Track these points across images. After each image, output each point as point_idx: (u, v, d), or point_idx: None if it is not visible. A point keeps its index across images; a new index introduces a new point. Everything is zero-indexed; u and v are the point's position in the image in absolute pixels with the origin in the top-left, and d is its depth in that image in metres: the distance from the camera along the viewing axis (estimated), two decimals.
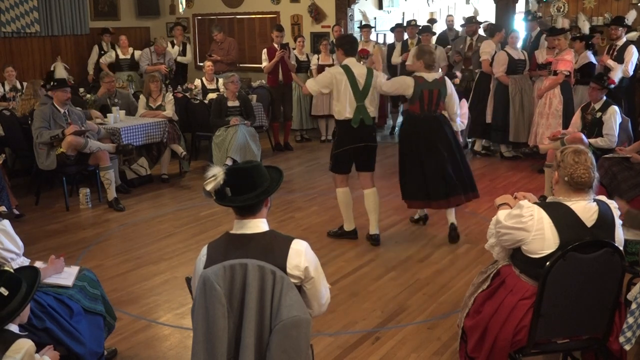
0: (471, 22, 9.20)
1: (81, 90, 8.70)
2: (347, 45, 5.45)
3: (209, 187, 2.54)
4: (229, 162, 7.41)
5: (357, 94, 5.34)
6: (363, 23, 10.16)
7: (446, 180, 5.47)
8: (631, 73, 7.91)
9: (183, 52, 10.52)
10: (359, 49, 9.98)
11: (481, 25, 9.45)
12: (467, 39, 9.13)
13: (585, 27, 8.90)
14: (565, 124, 7.54)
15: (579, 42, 8.04)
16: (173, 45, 10.40)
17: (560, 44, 7.81)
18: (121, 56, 9.90)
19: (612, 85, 6.63)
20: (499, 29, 8.71)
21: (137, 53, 9.94)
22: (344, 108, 5.36)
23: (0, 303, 2.64)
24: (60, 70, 7.48)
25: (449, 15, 11.84)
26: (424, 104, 5.43)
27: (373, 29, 10.48)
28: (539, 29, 8.99)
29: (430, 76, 5.43)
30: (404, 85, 5.46)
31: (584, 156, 2.85)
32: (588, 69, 7.89)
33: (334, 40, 5.62)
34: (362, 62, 9.84)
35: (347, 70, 5.35)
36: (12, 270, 2.82)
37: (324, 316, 3.95)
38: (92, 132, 6.93)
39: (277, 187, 2.65)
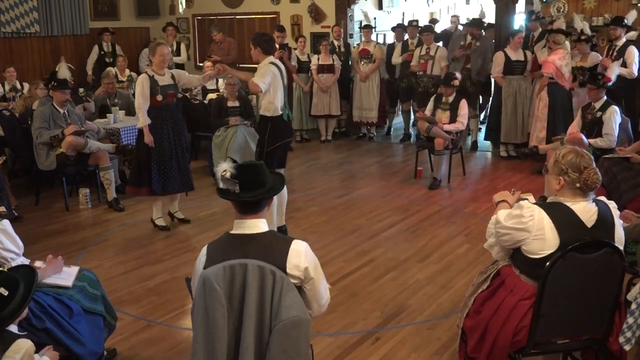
0: (479, 24, 9.17)
1: (81, 90, 8.69)
2: (265, 44, 5.64)
3: (222, 185, 2.55)
4: None
5: (285, 89, 5.73)
6: (364, 23, 10.15)
7: None
8: (636, 74, 7.80)
9: (177, 52, 10.52)
10: (360, 49, 10.06)
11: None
12: (467, 36, 9.11)
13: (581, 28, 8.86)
14: (553, 128, 7.53)
15: (583, 43, 7.97)
16: None
17: (550, 45, 7.78)
18: (119, 77, 9.35)
19: (609, 83, 6.60)
20: (514, 34, 8.60)
21: (134, 75, 9.40)
22: (280, 103, 5.64)
23: (0, 304, 2.64)
24: (64, 71, 7.48)
25: (453, 16, 11.78)
26: None
27: (374, 29, 10.46)
28: (540, 29, 8.96)
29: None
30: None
31: (587, 157, 2.85)
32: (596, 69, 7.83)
33: (252, 38, 5.69)
34: (363, 63, 9.94)
35: (278, 67, 5.62)
36: (6, 271, 2.81)
37: (324, 316, 3.94)
38: (92, 132, 6.94)
39: (282, 186, 2.72)
